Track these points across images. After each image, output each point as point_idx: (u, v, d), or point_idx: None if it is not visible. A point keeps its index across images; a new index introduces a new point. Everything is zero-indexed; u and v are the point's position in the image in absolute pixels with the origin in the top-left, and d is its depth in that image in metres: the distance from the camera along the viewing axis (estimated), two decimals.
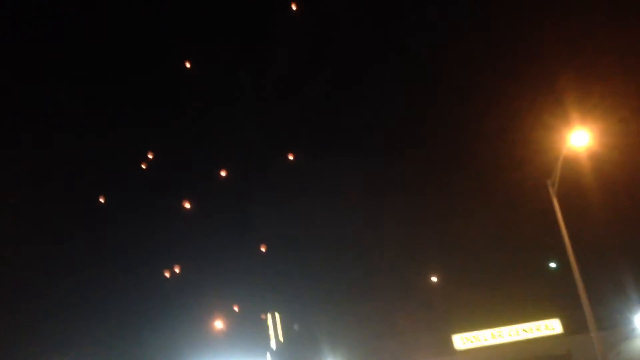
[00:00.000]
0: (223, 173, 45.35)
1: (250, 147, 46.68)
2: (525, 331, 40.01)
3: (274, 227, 44.34)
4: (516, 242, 42.29)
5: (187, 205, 44.27)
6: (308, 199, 45.61)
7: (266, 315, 33.59)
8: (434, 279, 45.02)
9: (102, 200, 44.04)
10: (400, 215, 45.40)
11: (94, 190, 44.94)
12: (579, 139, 22.24)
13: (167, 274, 42.90)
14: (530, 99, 39.36)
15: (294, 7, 43.39)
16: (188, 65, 45.31)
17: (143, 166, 44.62)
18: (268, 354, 35.56)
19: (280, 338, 29.77)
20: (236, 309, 42.34)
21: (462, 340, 39.92)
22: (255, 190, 45.73)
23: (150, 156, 44.76)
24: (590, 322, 24.08)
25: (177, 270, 43.33)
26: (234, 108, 48.10)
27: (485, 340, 39.94)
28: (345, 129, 47.37)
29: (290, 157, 45.85)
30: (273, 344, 31.29)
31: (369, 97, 47.95)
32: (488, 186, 42.50)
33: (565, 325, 39.64)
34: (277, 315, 29.83)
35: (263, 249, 43.36)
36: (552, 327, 40.04)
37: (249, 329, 37.52)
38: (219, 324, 42.53)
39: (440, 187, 44.98)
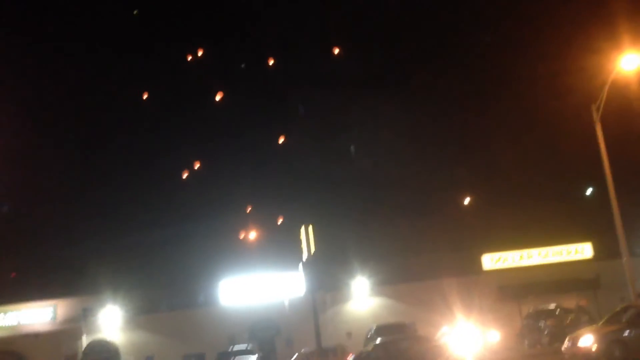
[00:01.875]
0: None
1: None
2: (556, 254, 40.37)
3: (309, 144, 44.70)
4: (553, 167, 42.05)
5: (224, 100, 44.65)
6: (345, 119, 45.76)
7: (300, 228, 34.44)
8: (467, 199, 45.31)
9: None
10: (435, 137, 45.31)
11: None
12: (629, 62, 21.65)
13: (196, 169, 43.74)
14: (578, 22, 38.00)
15: None
16: None
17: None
18: (300, 265, 36.60)
19: (312, 250, 30.56)
20: (279, 220, 43.54)
21: (491, 260, 40.51)
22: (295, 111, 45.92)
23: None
24: (622, 247, 24.21)
25: (203, 172, 44.25)
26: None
27: (514, 261, 40.47)
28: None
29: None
30: (305, 256, 32.17)
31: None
32: (531, 111, 41.90)
33: (595, 250, 39.88)
34: (310, 227, 30.50)
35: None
36: (582, 251, 40.32)
37: (284, 241, 38.63)
38: (253, 236, 43.85)
39: (481, 110, 44.53)
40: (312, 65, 47.17)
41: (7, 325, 38.36)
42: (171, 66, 47.16)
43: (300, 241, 32.04)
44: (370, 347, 28.25)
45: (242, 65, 47.38)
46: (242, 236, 44.02)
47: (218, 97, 44.13)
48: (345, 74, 46.69)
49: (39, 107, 45.66)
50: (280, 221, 44.24)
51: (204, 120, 47.06)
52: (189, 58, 45.65)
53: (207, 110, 46.94)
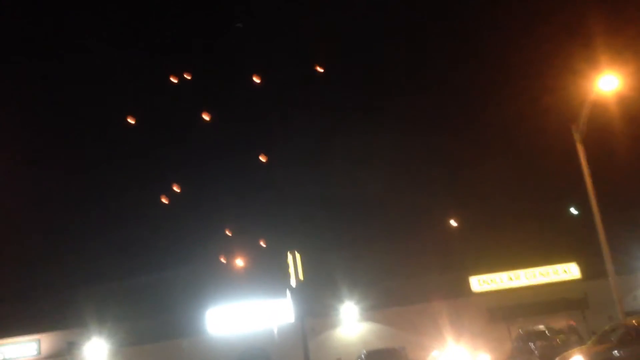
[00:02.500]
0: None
1: None
2: (542, 275, 40.47)
3: (293, 169, 44.73)
4: (537, 188, 42.34)
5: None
6: (327, 143, 45.86)
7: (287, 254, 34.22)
8: (453, 222, 45.40)
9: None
10: (420, 159, 45.54)
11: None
12: (608, 83, 21.90)
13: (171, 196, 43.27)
14: (557, 42, 38.62)
15: None
16: None
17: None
18: (288, 292, 36.30)
19: (300, 276, 30.31)
20: (262, 244, 43.26)
21: (479, 282, 40.50)
22: (274, 131, 45.86)
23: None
24: (608, 266, 24.25)
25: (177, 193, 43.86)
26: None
27: (502, 282, 40.49)
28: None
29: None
30: (293, 282, 31.91)
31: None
32: (511, 132, 42.31)
33: (582, 270, 40.00)
34: (297, 254, 30.28)
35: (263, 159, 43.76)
36: (569, 271, 40.44)
37: (270, 268, 38.35)
38: (240, 263, 43.52)
39: (461, 132, 44.90)
40: (294, 87, 47.38)
41: None
42: (150, 87, 46.84)
43: (287, 267, 31.75)
44: None
45: (223, 87, 47.10)
46: (228, 263, 43.69)
47: (201, 119, 43.75)
48: (329, 95, 46.99)
49: (16, 135, 45.22)
50: (263, 244, 43.96)
51: (186, 144, 46.98)
52: (169, 78, 45.35)
53: (190, 134, 46.77)
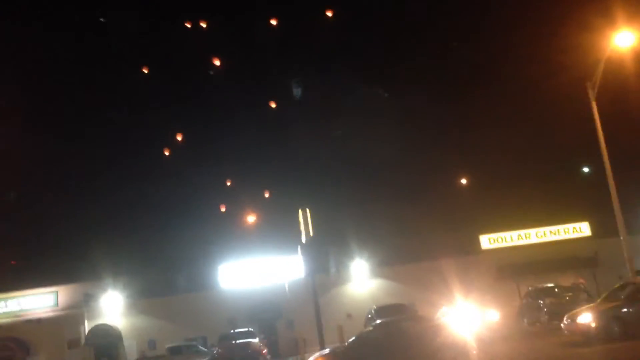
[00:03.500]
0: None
1: None
2: (553, 233, 40.55)
3: (305, 125, 44.62)
4: (549, 146, 42.05)
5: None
6: (340, 99, 45.59)
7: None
8: (464, 180, 45.37)
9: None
10: (432, 119, 45.28)
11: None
12: (623, 39, 21.59)
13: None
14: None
15: None
16: None
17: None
18: (299, 248, 36.66)
19: (310, 232, 30.62)
20: (267, 194, 43.42)
21: (489, 241, 40.66)
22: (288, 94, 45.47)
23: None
24: (619, 225, 24.33)
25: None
26: None
27: (512, 240, 40.64)
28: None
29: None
30: (303, 238, 32.23)
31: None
32: (524, 90, 41.82)
33: (593, 228, 40.03)
34: (307, 210, 30.53)
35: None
36: (580, 230, 40.47)
37: (282, 224, 38.71)
38: (251, 220, 43.93)
39: (473, 92, 44.46)
40: (309, 47, 46.78)
41: (9, 311, 38.54)
42: (163, 36, 46.15)
43: (298, 224, 32.03)
44: (370, 328, 28.43)
45: (235, 34, 46.05)
46: (240, 220, 44.12)
47: (215, 68, 42.96)
48: (341, 56, 46.54)
49: (39, 96, 45.42)
50: (267, 194, 44.08)
51: (201, 98, 46.75)
52: (183, 25, 44.51)
53: (204, 86, 46.42)
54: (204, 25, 42.62)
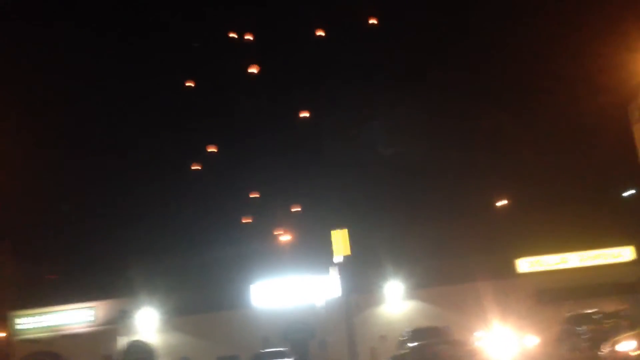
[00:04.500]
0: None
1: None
2: (595, 257, 39.54)
3: (340, 151, 44.59)
4: (590, 169, 41.19)
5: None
6: (374, 122, 45.48)
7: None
8: (502, 202, 44.70)
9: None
10: (471, 140, 44.86)
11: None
12: None
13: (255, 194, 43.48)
14: (613, 19, 37.20)
15: None
16: None
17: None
18: (333, 267, 36.58)
19: (348, 252, 30.61)
20: (300, 212, 43.35)
21: (527, 264, 39.88)
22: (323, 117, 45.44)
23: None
24: None
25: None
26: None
27: (552, 265, 39.77)
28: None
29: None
30: (339, 258, 32.17)
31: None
32: (564, 111, 41.16)
33: (637, 253, 38.93)
34: (344, 230, 30.56)
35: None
36: (623, 254, 39.41)
37: (316, 243, 38.67)
38: (286, 238, 43.99)
39: (512, 112, 43.94)
40: (347, 49, 46.17)
41: (47, 326, 39.23)
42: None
43: (332, 243, 31.98)
44: (405, 350, 28.04)
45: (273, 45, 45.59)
46: (274, 239, 44.22)
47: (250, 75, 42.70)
48: (378, 70, 46.24)
49: (75, 112, 46.34)
50: (301, 212, 43.98)
51: (240, 117, 46.84)
52: (208, 36, 44.72)
53: (237, 99, 46.51)
54: (233, 35, 42.89)
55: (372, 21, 42.82)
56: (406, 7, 46.38)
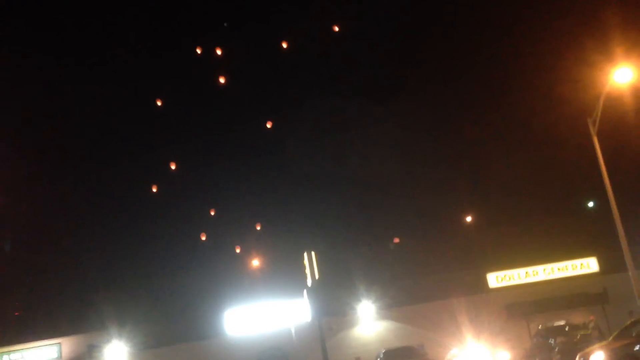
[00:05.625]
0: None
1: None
2: (561, 270, 40.06)
3: (310, 168, 44.63)
4: (553, 182, 41.96)
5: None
6: (342, 140, 45.64)
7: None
8: (469, 218, 45.15)
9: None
10: (435, 155, 45.33)
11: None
12: (622, 75, 21.70)
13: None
14: (572, 35, 38.30)
15: None
16: None
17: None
18: (305, 292, 36.32)
19: (316, 275, 30.37)
20: (258, 227, 42.97)
21: (496, 279, 40.19)
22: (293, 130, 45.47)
23: None
24: (627, 260, 24.03)
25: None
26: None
27: (520, 278, 40.15)
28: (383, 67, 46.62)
29: None
30: (309, 282, 31.95)
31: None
32: (526, 125, 41.97)
33: (601, 264, 39.56)
34: (312, 253, 30.35)
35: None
36: (588, 265, 40.00)
37: (287, 269, 38.46)
38: (256, 264, 43.64)
39: (476, 127, 44.61)
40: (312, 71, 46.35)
41: None
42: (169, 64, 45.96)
43: (304, 267, 31.80)
44: None
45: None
46: (245, 265, 43.82)
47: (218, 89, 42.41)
48: (348, 88, 46.48)
49: (37, 143, 45.51)
50: (258, 227, 43.69)
51: (207, 143, 46.54)
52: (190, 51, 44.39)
53: (198, 130, 46.27)
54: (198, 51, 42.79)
55: (337, 31, 43.06)
56: (373, 20, 46.98)
